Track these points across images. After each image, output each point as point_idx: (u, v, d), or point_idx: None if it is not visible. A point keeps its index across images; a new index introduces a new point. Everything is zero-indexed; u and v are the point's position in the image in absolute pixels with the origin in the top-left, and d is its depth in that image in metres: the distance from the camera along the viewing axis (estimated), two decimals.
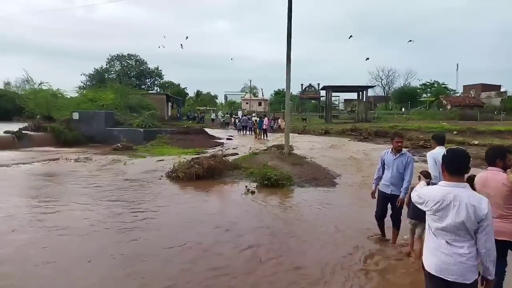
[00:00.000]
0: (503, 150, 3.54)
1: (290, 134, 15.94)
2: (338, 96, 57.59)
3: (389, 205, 5.19)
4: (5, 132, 18.04)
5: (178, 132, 23.81)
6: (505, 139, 20.65)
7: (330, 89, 41.79)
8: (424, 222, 2.93)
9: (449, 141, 20.11)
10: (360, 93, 42.25)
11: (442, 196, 2.48)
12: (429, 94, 68.07)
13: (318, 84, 48.32)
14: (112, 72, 66.52)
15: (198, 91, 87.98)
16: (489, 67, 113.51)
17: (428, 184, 3.43)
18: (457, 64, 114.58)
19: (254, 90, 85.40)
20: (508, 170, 3.36)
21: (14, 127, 19.39)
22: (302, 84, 49.67)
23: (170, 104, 44.48)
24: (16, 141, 17.32)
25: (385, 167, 5.22)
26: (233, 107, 67.85)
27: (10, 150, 15.77)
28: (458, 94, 60.61)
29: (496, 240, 2.57)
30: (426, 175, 4.40)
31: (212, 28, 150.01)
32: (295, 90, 62.44)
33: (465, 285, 2.45)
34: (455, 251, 2.46)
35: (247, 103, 67.24)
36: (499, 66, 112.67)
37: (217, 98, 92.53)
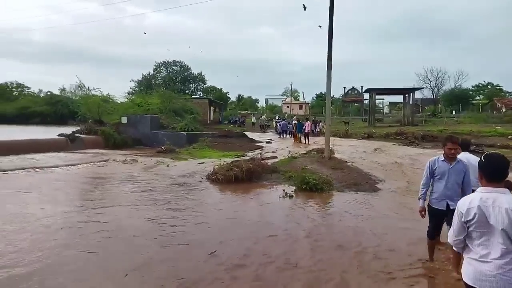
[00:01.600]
0: None
1: (332, 138, 15.67)
2: (383, 99, 55.75)
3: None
4: (59, 135, 19.44)
5: (219, 136, 24.30)
6: None
7: (373, 91, 40.53)
8: None
9: (504, 146, 18.78)
10: (407, 95, 40.57)
11: (481, 202, 2.36)
12: (481, 96, 63.90)
13: (362, 87, 47.18)
14: (159, 78, 69.31)
15: (239, 95, 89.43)
16: None
17: None
18: None
19: (295, 94, 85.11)
20: None
21: (68, 130, 20.84)
22: (344, 87, 48.87)
23: (212, 108, 45.49)
24: (69, 144, 18.58)
25: (436, 177, 4.45)
26: (273, 110, 67.98)
27: (64, 152, 16.95)
28: None
29: None
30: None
31: (255, 34, 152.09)
32: (338, 93, 61.43)
33: None
34: (498, 263, 2.33)
35: (288, 106, 67.17)
36: None
37: (258, 102, 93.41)
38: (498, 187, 2.40)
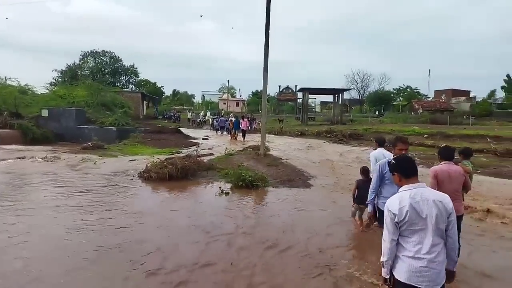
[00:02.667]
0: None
1: (267, 135, 15.92)
2: (315, 99, 58.28)
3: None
4: None
5: (152, 132, 23.36)
6: (474, 143, 21.41)
7: (306, 91, 42.21)
8: (364, 206, 5.16)
9: (421, 144, 20.77)
10: (336, 95, 42.90)
11: (412, 200, 2.51)
12: (401, 98, 70.03)
13: (296, 86, 48.72)
14: (85, 69, 64.38)
15: (175, 90, 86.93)
16: (459, 73, 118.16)
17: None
18: (429, 70, 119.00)
19: (232, 91, 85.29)
20: (460, 163, 4.68)
21: None
22: (279, 86, 49.97)
23: (145, 102, 43.62)
24: None
25: (387, 181, 4.29)
26: (210, 107, 67.38)
27: None
28: (429, 99, 62.62)
29: None
30: (365, 170, 6.25)
31: (192, 28, 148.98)
32: (273, 91, 62.73)
33: None
34: (429, 258, 2.48)
35: (224, 103, 67.04)
36: (469, 72, 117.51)
37: (194, 98, 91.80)
38: (417, 182, 2.58)
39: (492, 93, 60.46)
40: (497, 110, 49.64)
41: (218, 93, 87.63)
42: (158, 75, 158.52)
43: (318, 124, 38.93)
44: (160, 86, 75.27)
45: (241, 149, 16.43)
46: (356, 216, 6.20)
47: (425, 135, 24.97)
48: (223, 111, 47.00)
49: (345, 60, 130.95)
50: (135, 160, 12.60)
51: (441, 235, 2.51)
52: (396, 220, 2.50)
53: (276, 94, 52.78)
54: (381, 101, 63.14)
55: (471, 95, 59.88)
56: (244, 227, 6.02)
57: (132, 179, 9.58)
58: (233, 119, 26.18)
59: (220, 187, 8.68)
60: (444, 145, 6.95)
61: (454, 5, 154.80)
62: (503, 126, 33.29)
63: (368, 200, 4.49)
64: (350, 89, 59.86)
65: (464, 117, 41.21)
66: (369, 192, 4.48)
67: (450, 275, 2.65)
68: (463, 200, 4.77)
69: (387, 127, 29.37)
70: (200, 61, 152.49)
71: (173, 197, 8.17)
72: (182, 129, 27.20)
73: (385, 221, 2.61)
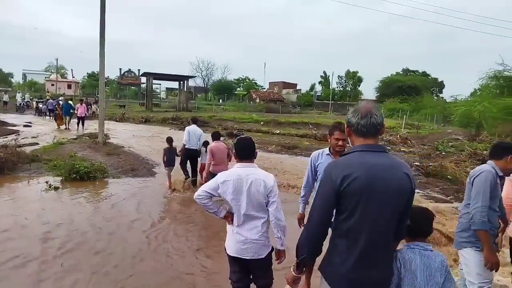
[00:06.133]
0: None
1: (108, 122, 14.63)
2: (160, 84, 56.76)
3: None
4: None
5: None
6: (299, 129, 24.92)
7: (151, 76, 40.55)
8: (173, 166, 7.74)
9: (258, 130, 22.89)
10: (181, 82, 42.77)
11: (238, 176, 2.72)
12: (241, 88, 75.23)
13: (139, 70, 46.21)
14: None
15: None
16: (288, 66, 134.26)
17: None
18: (265, 63, 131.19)
19: (63, 70, 74.70)
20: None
21: None
22: (120, 69, 46.45)
23: None
24: None
25: (319, 176, 3.33)
26: (34, 88, 57.35)
27: None
28: (264, 90, 69.24)
29: None
30: (168, 139, 8.07)
31: None
32: (113, 74, 58.08)
33: (260, 260, 2.76)
34: (251, 231, 2.72)
35: (52, 84, 58.10)
36: (297, 66, 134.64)
37: (13, 77, 76.27)
38: (249, 163, 2.79)
39: (313, 86, 71.16)
40: (317, 101, 59.05)
41: (45, 72, 75.22)
42: None
43: (163, 110, 38.07)
44: None
45: (75, 137, 14.68)
46: (169, 177, 7.85)
47: (262, 123, 27.65)
48: (49, 94, 40.13)
49: (193, 47, 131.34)
50: None
51: (262, 210, 2.72)
52: (219, 191, 2.72)
53: (117, 77, 48.91)
54: (224, 89, 66.37)
55: (298, 87, 69.19)
56: (66, 223, 5.44)
57: None
58: (61, 102, 22.32)
59: (47, 182, 7.55)
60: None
61: (289, 4, 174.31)
62: (321, 115, 39.87)
63: (300, 199, 3.70)
64: (195, 76, 60.71)
65: (292, 107, 47.46)
66: (302, 188, 3.65)
67: (278, 253, 2.81)
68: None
69: (230, 115, 31.19)
70: (20, 32, 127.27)
71: None
72: None
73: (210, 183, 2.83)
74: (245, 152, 2.82)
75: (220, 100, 59.08)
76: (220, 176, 2.77)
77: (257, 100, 53.44)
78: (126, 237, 5.09)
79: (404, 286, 1.86)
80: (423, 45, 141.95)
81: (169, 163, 7.80)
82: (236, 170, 2.76)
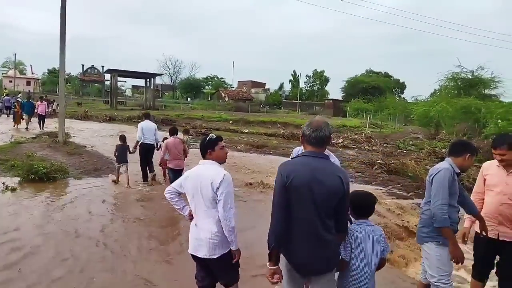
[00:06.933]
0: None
1: (69, 120, 14.02)
2: (125, 82, 55.20)
3: None
4: None
5: None
6: (268, 128, 25.11)
7: (115, 73, 39.26)
8: (126, 163, 7.95)
9: (227, 129, 22.79)
10: (148, 80, 41.78)
11: (196, 173, 2.75)
12: (210, 87, 74.60)
13: (102, 66, 44.72)
14: None
15: None
16: (257, 66, 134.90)
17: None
18: (233, 62, 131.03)
19: (21, 66, 70.96)
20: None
21: None
22: (83, 65, 44.75)
23: None
24: None
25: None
26: None
27: None
28: (233, 89, 69.11)
29: None
30: (121, 137, 8.22)
31: None
32: (75, 71, 55.88)
33: (213, 261, 2.69)
34: (204, 229, 2.70)
35: (10, 81, 55.02)
36: (265, 66, 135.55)
37: None
38: (208, 159, 2.75)
39: (281, 86, 71.94)
40: (285, 100, 59.68)
41: (3, 68, 71.11)
42: None
43: (129, 108, 37.00)
44: None
45: (34, 136, 13.98)
46: (117, 172, 8.07)
47: (231, 122, 27.59)
48: (6, 91, 37.87)
49: (160, 44, 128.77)
50: None
51: (215, 208, 2.64)
52: (183, 187, 2.81)
53: (79, 74, 46.97)
54: (192, 88, 65.48)
55: (266, 86, 69.62)
56: (21, 225, 5.17)
57: None
58: (20, 100, 21.08)
59: (3, 183, 7.13)
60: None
61: (257, 4, 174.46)
62: (289, 114, 40.31)
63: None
64: (162, 74, 59.24)
65: (261, 106, 47.71)
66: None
67: (232, 252, 2.71)
68: None
69: (198, 114, 30.89)
70: None
71: None
72: None
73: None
74: (204, 148, 2.81)
75: (188, 99, 58.20)
76: (186, 173, 2.86)
77: (226, 99, 53.27)
78: (81, 241, 4.88)
79: (355, 253, 2.37)
80: (385, 46, 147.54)
81: (120, 159, 7.95)
82: (198, 167, 2.80)
